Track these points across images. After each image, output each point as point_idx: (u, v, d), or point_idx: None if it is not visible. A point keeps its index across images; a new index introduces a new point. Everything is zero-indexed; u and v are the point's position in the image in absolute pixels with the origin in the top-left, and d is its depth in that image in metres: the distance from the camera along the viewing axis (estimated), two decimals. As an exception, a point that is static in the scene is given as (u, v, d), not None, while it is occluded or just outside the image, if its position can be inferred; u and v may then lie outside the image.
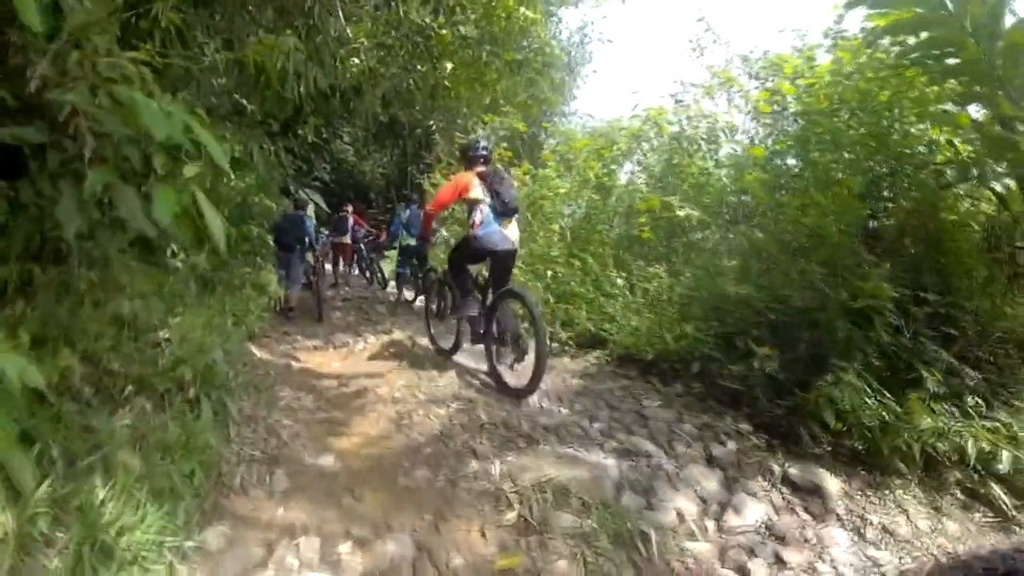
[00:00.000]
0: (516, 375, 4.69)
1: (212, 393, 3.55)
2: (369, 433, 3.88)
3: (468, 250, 4.82)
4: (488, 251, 4.65)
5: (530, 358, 4.49)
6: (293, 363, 5.49)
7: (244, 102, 9.27)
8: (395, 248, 10.56)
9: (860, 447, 3.57)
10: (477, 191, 4.58)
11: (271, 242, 8.84)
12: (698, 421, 4.45)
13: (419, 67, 8.94)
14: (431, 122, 15.44)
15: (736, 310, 5.71)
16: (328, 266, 13.18)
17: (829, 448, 3.67)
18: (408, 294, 10.05)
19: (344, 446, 3.63)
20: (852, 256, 4.87)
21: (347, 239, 12.00)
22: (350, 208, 12.75)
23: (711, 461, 3.73)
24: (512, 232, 4.73)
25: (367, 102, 10.56)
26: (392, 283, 10.64)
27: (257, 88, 6.71)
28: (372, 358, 5.82)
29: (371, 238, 16.22)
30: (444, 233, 10.04)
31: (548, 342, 4.57)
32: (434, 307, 6.21)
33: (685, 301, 6.64)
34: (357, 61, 9.51)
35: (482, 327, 4.96)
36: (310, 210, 14.49)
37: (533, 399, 4.72)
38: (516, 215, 4.79)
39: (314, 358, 5.80)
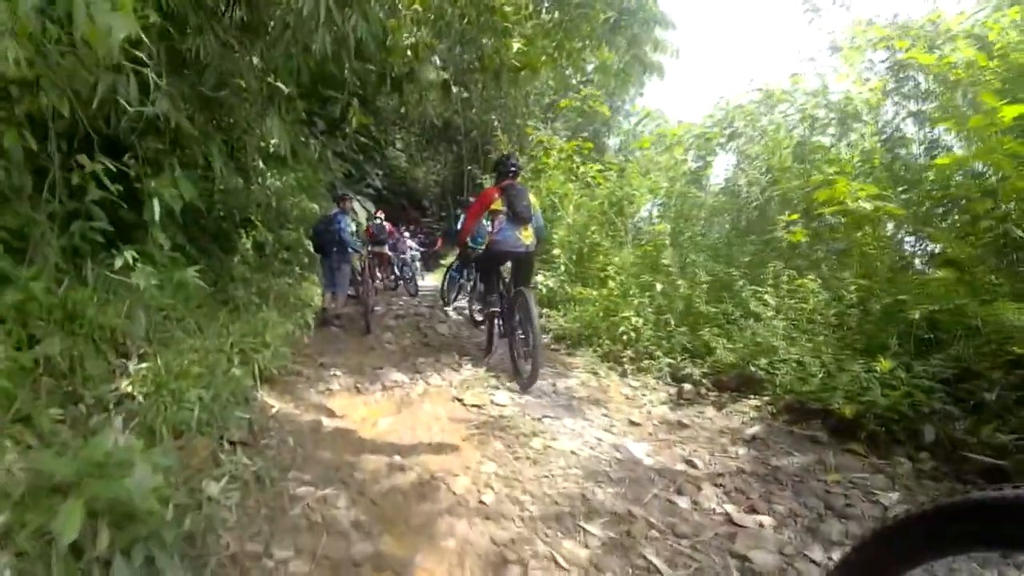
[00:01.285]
0: (526, 366, 4.54)
1: (137, 546, 1.66)
2: (448, 602, 1.93)
3: (489, 252, 5.16)
4: (504, 252, 4.97)
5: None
6: (324, 420, 3.60)
7: (278, 83, 7.59)
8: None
9: None
10: (498, 203, 4.91)
11: (311, 248, 7.14)
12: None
13: (484, 40, 7.09)
14: (492, 115, 13.63)
15: (957, 340, 3.80)
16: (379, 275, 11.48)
17: None
18: (459, 299, 8.58)
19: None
20: None
21: (386, 248, 10.31)
22: (382, 215, 11.12)
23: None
24: (526, 236, 4.91)
25: (420, 88, 8.77)
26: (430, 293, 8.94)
27: (283, 49, 4.91)
28: (436, 408, 3.88)
29: (424, 248, 14.86)
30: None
31: (540, 337, 4.50)
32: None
33: (862, 325, 4.62)
34: (409, 36, 7.74)
35: (505, 322, 5.12)
36: (360, 213, 12.89)
37: (712, 501, 2.72)
38: (530, 223, 4.95)
39: (355, 409, 3.91)
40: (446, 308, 8.11)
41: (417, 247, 16.46)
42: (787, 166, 6.55)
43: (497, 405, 3.88)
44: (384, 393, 4.25)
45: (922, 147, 6.91)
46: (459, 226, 8.75)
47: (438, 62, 8.47)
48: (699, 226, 7.44)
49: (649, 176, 8.59)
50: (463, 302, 8.36)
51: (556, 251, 7.63)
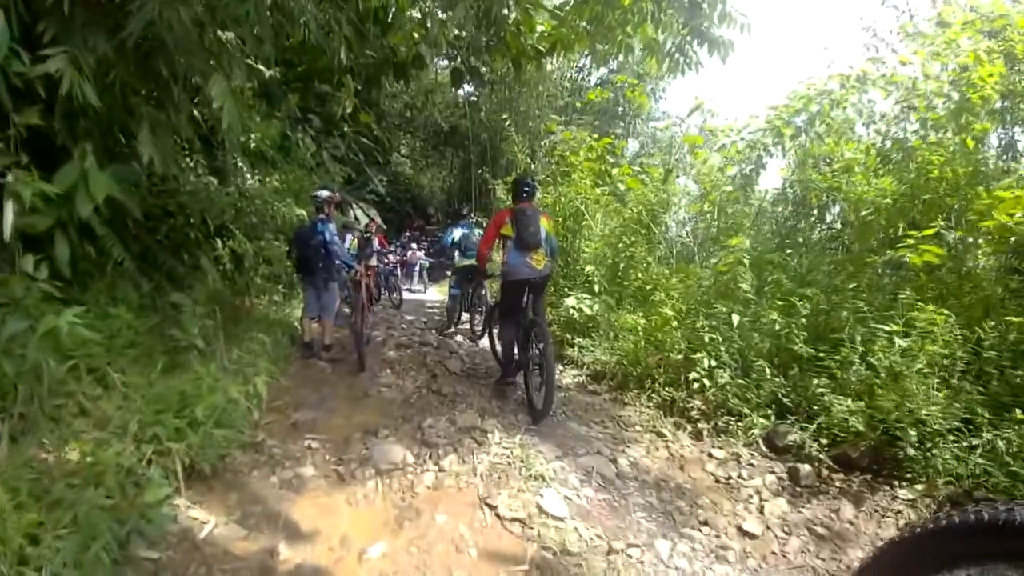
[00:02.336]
0: (538, 399, 3.90)
1: None
2: None
3: (505, 283, 4.52)
4: (519, 281, 4.37)
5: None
6: (281, 549, 2.20)
7: (261, 67, 6.21)
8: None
9: None
10: (507, 228, 4.42)
11: (293, 265, 5.79)
12: None
13: (506, 7, 5.71)
14: (504, 115, 12.25)
15: None
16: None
17: None
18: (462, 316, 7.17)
19: None
20: None
21: (374, 261, 8.97)
22: (375, 227, 9.90)
23: None
24: (538, 261, 4.32)
25: (426, 82, 7.40)
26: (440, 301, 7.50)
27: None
28: (456, 524, 2.46)
29: (431, 258, 13.79)
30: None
31: (555, 371, 4.01)
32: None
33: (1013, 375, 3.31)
34: (413, 9, 6.34)
35: (520, 352, 4.42)
36: (361, 220, 11.54)
37: None
38: (541, 247, 4.33)
39: (333, 518, 2.49)
40: (454, 334, 6.70)
41: (424, 257, 15.08)
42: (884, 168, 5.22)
43: (552, 519, 2.45)
44: (377, 483, 2.83)
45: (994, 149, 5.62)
46: (449, 240, 7.40)
47: (446, 47, 7.11)
48: (749, 239, 6.06)
49: (689, 179, 7.27)
50: (467, 324, 6.98)
51: (588, 268, 6.24)
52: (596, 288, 6.04)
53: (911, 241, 3.85)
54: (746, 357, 4.17)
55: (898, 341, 3.53)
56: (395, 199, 19.49)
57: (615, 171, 7.53)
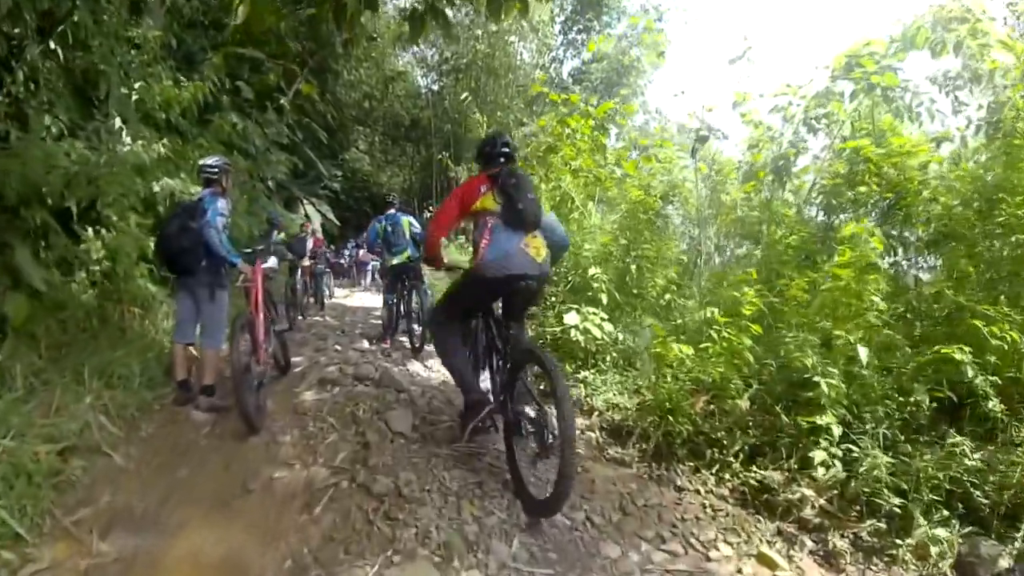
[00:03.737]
0: (537, 480, 2.44)
1: None
2: None
3: (470, 286, 2.71)
4: (501, 280, 2.54)
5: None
6: None
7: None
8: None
9: None
10: (487, 199, 2.65)
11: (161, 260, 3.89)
12: None
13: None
14: (467, 96, 10.48)
15: None
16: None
17: None
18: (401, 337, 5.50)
19: None
20: None
21: (306, 261, 7.60)
22: (310, 228, 9.31)
23: None
24: (537, 252, 2.60)
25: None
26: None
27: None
28: None
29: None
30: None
31: (575, 425, 2.38)
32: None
33: None
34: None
35: (503, 396, 2.61)
36: (314, 218, 9.81)
37: None
38: (539, 231, 2.66)
39: None
40: (402, 360, 4.84)
41: (376, 258, 13.51)
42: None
43: None
44: None
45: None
46: (374, 235, 5.41)
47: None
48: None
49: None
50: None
51: (592, 270, 4.49)
52: (604, 299, 4.28)
53: None
54: (879, 417, 2.47)
55: None
56: (352, 198, 17.54)
57: (610, 152, 5.87)
